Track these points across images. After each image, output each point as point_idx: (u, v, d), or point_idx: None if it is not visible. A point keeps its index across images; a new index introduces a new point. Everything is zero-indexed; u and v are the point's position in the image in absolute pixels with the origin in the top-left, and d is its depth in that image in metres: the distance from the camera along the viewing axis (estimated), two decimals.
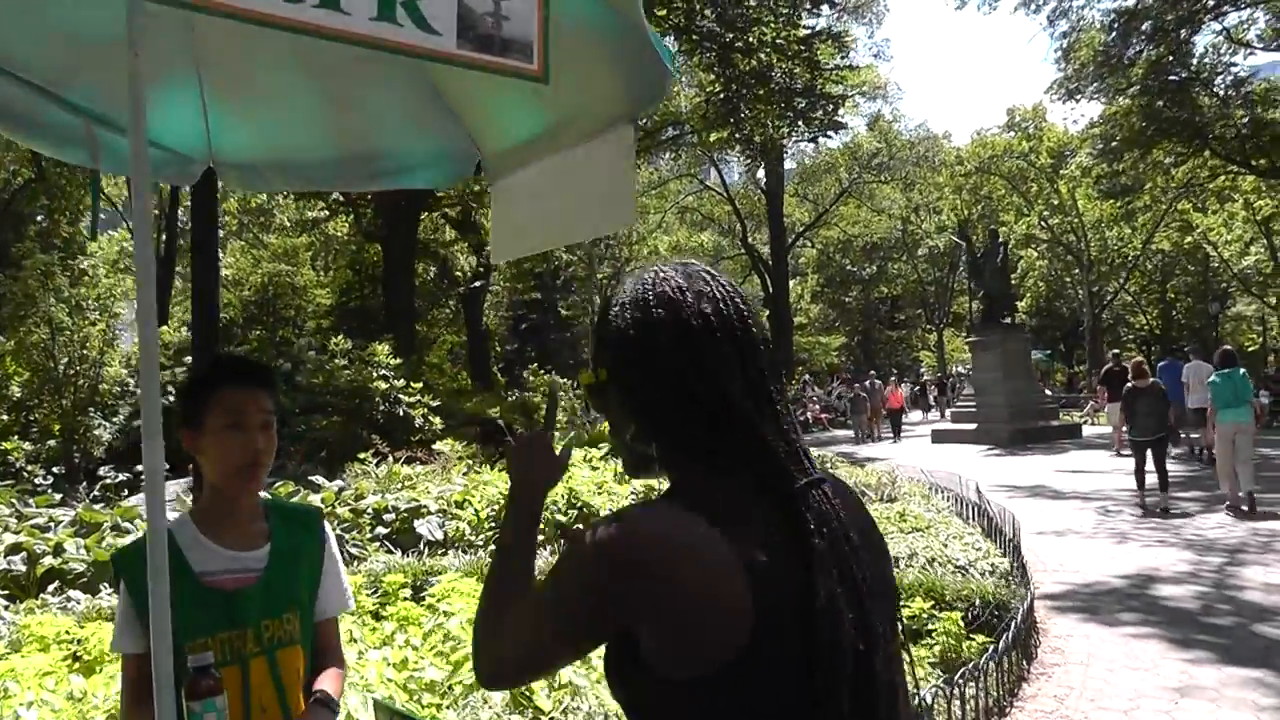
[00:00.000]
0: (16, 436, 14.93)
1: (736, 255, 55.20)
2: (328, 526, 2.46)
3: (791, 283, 55.33)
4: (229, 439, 2.19)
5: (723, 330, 1.35)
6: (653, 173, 46.44)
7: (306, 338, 22.62)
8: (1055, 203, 49.22)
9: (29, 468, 14.08)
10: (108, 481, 13.65)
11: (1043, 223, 50.71)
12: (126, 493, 13.57)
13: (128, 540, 9.27)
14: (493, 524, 9.86)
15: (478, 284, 34.38)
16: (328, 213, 35.84)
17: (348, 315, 34.22)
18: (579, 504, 9.81)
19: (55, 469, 14.09)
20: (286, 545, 2.31)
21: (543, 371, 26.49)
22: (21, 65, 2.65)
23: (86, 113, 2.83)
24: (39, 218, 32.72)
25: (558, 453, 1.73)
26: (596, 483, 10.68)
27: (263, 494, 2.38)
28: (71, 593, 7.88)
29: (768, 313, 44.92)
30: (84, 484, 13.80)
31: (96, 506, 10.95)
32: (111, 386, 15.86)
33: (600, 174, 2.49)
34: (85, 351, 15.22)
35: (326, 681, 2.26)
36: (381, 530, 9.72)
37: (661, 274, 1.42)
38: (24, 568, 8.41)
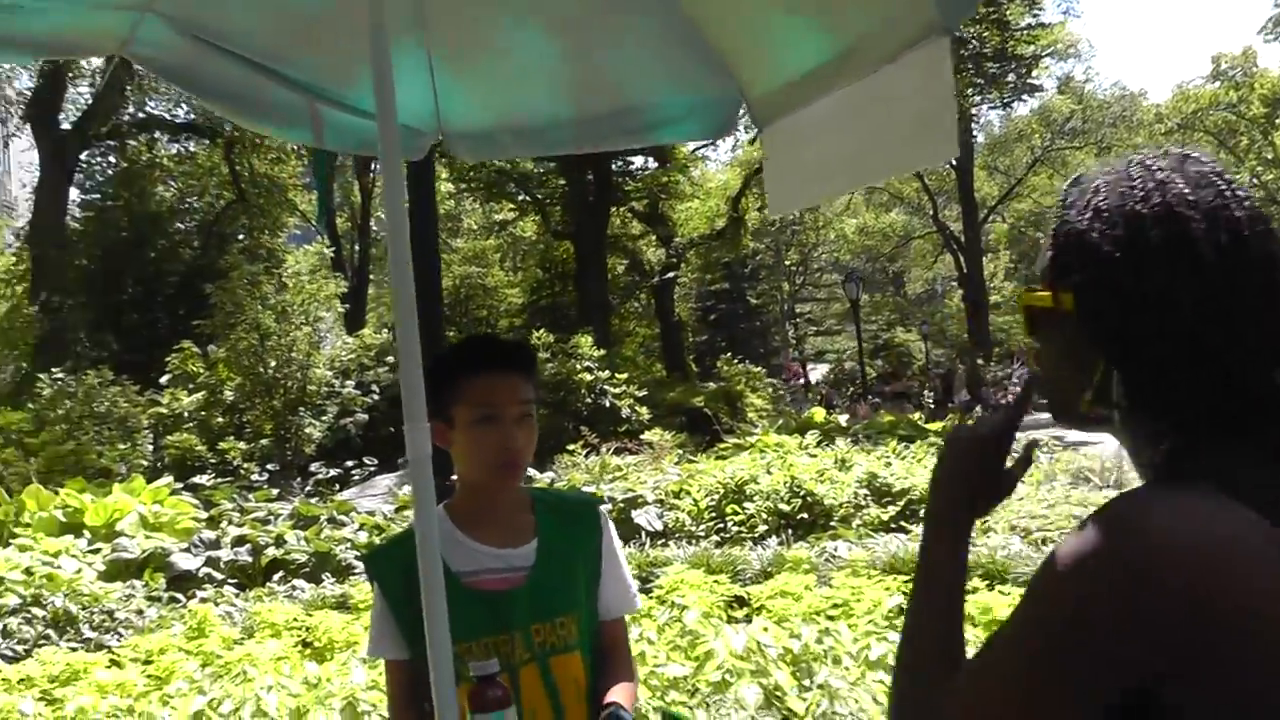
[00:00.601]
0: (232, 437, 15.80)
1: (928, 233, 53.24)
2: (605, 517, 2.18)
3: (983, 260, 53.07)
4: (481, 435, 1.95)
5: (1245, 255, 0.97)
6: None
7: (504, 336, 23.10)
8: (1270, 156, 45.45)
9: (245, 465, 14.88)
10: (319, 477, 14.24)
11: (1255, 179, 46.90)
12: (338, 487, 14.14)
13: (344, 532, 9.57)
14: (712, 514, 9.61)
15: (670, 275, 34.38)
16: (516, 213, 36.52)
17: (539, 313, 34.86)
18: (802, 492, 9.44)
19: (270, 466, 14.84)
20: (557, 540, 2.05)
21: (736, 361, 26.27)
22: (241, 42, 2.53)
23: (308, 89, 2.70)
24: (240, 236, 34.55)
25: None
26: (817, 470, 10.26)
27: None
28: (296, 581, 8.13)
29: (961, 293, 43.36)
30: (298, 479, 14.47)
31: (311, 500, 11.37)
32: (319, 387, 16.52)
33: (908, 101, 2.14)
34: (293, 355, 15.88)
35: (619, 694, 1.96)
36: None
37: (1158, 172, 1.03)
38: (250, 558, 8.75)
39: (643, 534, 9.13)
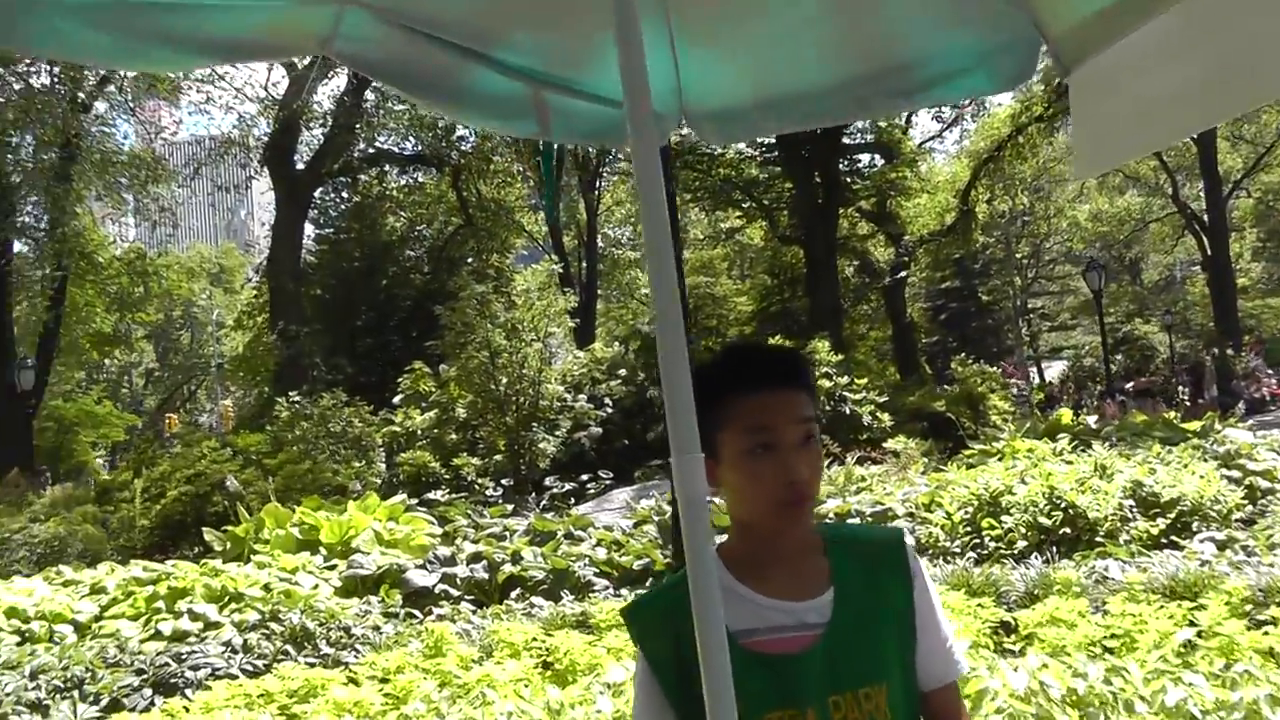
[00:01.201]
0: (465, 453, 16.16)
1: (1167, 215, 49.56)
2: (914, 555, 1.73)
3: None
4: (757, 467, 1.57)
5: None
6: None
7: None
8: None
9: (479, 481, 15.15)
10: (555, 492, 14.32)
11: None
12: (573, 501, 14.18)
13: (582, 548, 9.44)
14: (967, 528, 8.93)
15: (901, 274, 33.41)
16: (743, 220, 36.43)
17: (769, 319, 34.69)
18: (1063, 504, 8.65)
19: (504, 481, 15.04)
20: (857, 589, 1.64)
21: (970, 361, 25.11)
22: (454, 29, 2.26)
23: (532, 75, 2.41)
24: (469, 259, 35.80)
25: None
26: (1076, 478, 9.40)
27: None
28: (534, 599, 8.01)
29: (1205, 277, 40.14)
30: (532, 494, 14.62)
31: (547, 516, 11.35)
32: (551, 402, 16.70)
33: (1260, 18, 1.67)
34: (524, 371, 16.08)
35: None
36: None
37: None
38: (486, 575, 8.71)
39: None
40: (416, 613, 7.89)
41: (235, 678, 6.21)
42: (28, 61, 28.10)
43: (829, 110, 2.73)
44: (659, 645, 1.63)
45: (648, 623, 1.71)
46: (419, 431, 17.74)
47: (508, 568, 8.78)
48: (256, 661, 6.51)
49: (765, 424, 1.57)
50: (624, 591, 8.10)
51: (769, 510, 1.59)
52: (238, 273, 69.45)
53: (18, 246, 32.27)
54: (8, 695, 6.10)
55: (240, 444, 18.14)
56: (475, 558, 8.93)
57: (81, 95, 28.47)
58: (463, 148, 33.10)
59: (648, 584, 8.35)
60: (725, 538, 1.73)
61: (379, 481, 16.32)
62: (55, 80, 28.42)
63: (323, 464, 16.14)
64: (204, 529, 12.71)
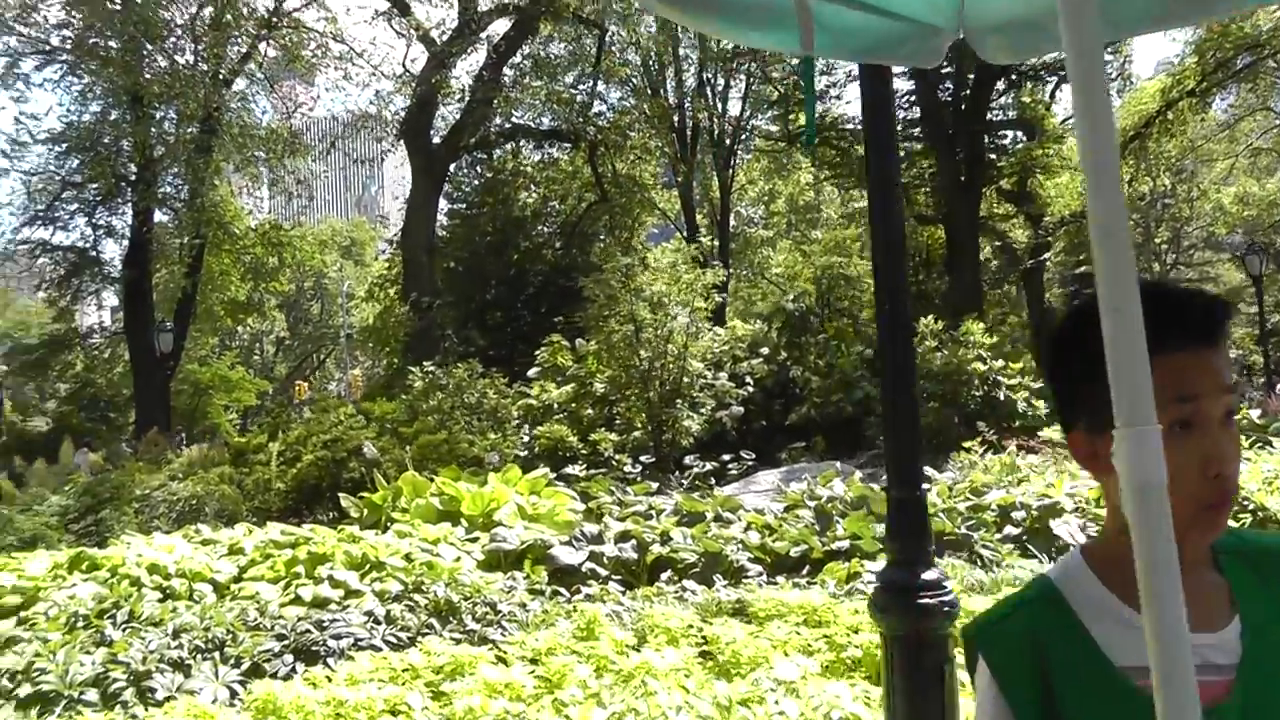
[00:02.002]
0: (603, 428, 15.84)
1: None
2: None
3: None
4: (1173, 448, 1.09)
5: None
6: (1225, 112, 40.54)
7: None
8: None
9: (616, 458, 14.80)
10: (697, 470, 13.90)
11: None
12: (714, 481, 13.76)
13: (732, 530, 9.01)
14: None
15: (1043, 256, 32.06)
16: None
17: None
18: (1251, 505, 7.93)
19: (642, 458, 14.64)
20: (1268, 616, 1.24)
21: None
22: None
23: None
24: (602, 236, 35.78)
25: None
26: (1264, 478, 8.60)
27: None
28: (686, 582, 7.68)
29: None
30: (674, 473, 14.22)
31: (692, 495, 10.95)
32: (694, 379, 16.20)
33: None
34: (669, 346, 15.62)
35: None
36: (1011, 530, 8.52)
37: None
38: (635, 555, 8.40)
39: (1056, 546, 8.00)
40: (563, 591, 7.63)
41: (378, 649, 6.02)
42: (174, 39, 29.05)
43: (1147, 16, 2.21)
44: (1021, 678, 1.24)
45: (1006, 649, 1.29)
46: (555, 405, 17.48)
47: (656, 548, 8.44)
48: (400, 634, 6.33)
49: (1188, 393, 1.17)
50: (779, 579, 7.69)
51: (1183, 511, 1.13)
52: (368, 246, 70.99)
53: (158, 216, 33.36)
54: (151, 653, 6.02)
55: (376, 411, 18.16)
56: (623, 537, 8.58)
57: (223, 73, 29.21)
58: (599, 123, 32.95)
59: (804, 572, 7.92)
60: (1097, 541, 1.32)
61: (515, 455, 16.14)
62: (198, 57, 29.23)
63: (458, 435, 16.05)
64: (340, 495, 12.68)
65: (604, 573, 8.11)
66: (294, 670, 5.85)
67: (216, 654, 6.22)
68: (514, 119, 33.91)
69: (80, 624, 7.03)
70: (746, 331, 19.31)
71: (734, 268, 34.15)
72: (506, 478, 11.56)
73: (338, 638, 6.11)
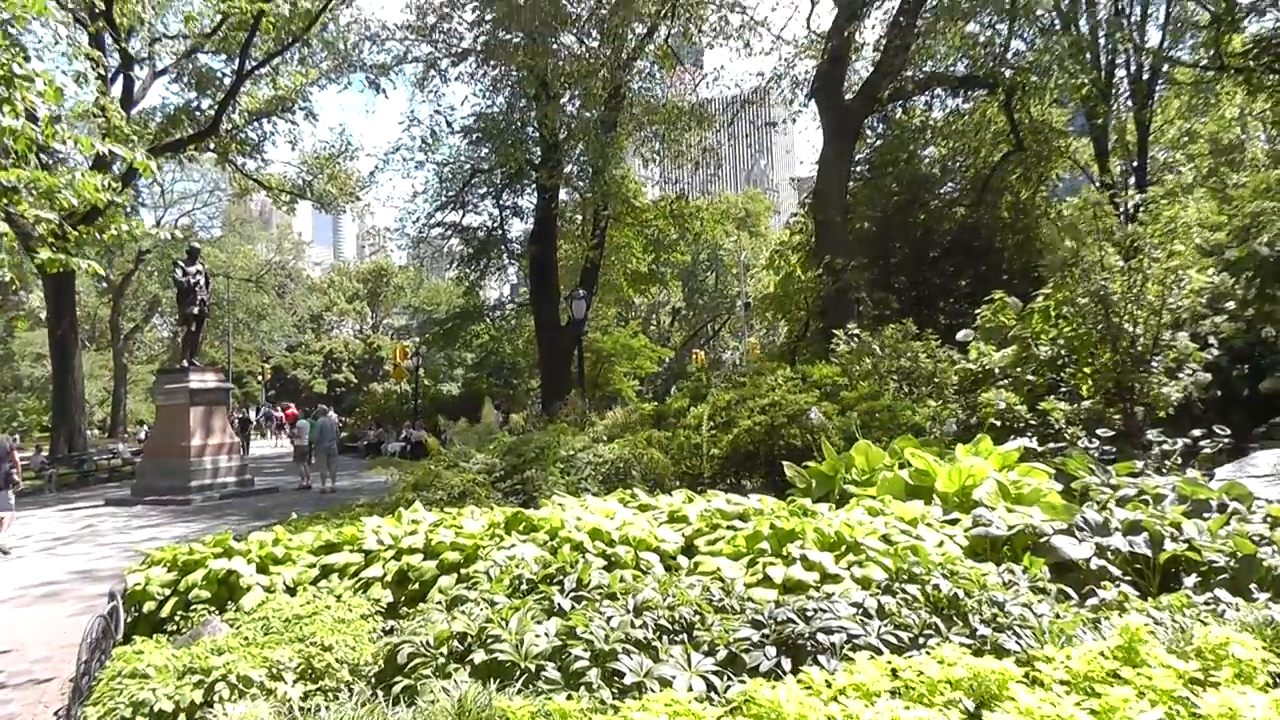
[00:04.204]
0: (1051, 396, 13.95)
1: None
2: None
3: None
4: None
5: None
6: None
7: None
8: None
9: (1067, 429, 12.97)
10: (1167, 447, 11.80)
11: None
12: (1180, 460, 11.67)
13: (1253, 526, 7.28)
14: None
15: None
16: None
17: None
18: None
19: (1099, 432, 12.62)
20: None
21: None
22: None
23: None
24: (1014, 189, 33.40)
25: None
26: None
27: None
28: (1218, 592, 6.12)
29: None
30: (1141, 449, 12.14)
31: (1193, 480, 9.04)
32: (1170, 339, 13.76)
33: None
34: (1148, 298, 13.33)
35: None
36: None
37: None
38: (1147, 551, 6.93)
39: None
40: (1068, 591, 6.35)
41: (878, 652, 5.09)
42: (580, 23, 30.02)
43: None
44: None
45: None
46: (996, 370, 15.73)
47: (1169, 544, 6.91)
48: (899, 633, 5.30)
49: None
50: None
51: None
52: (762, 217, 71.52)
53: (562, 195, 35.41)
54: (613, 630, 5.44)
55: (814, 375, 17.30)
56: (1133, 527, 7.10)
57: (624, 54, 29.78)
58: (1016, 65, 30.32)
59: None
60: None
61: (956, 422, 14.69)
62: (600, 41, 29.98)
63: (896, 402, 14.86)
64: (783, 462, 11.90)
65: (1116, 571, 6.71)
66: (779, 666, 5.08)
67: (684, 636, 5.59)
68: (926, 69, 32.03)
69: (524, 587, 6.73)
70: (1205, 283, 16.20)
71: (1149, 222, 30.32)
72: (978, 449, 10.22)
73: (827, 631, 5.24)
